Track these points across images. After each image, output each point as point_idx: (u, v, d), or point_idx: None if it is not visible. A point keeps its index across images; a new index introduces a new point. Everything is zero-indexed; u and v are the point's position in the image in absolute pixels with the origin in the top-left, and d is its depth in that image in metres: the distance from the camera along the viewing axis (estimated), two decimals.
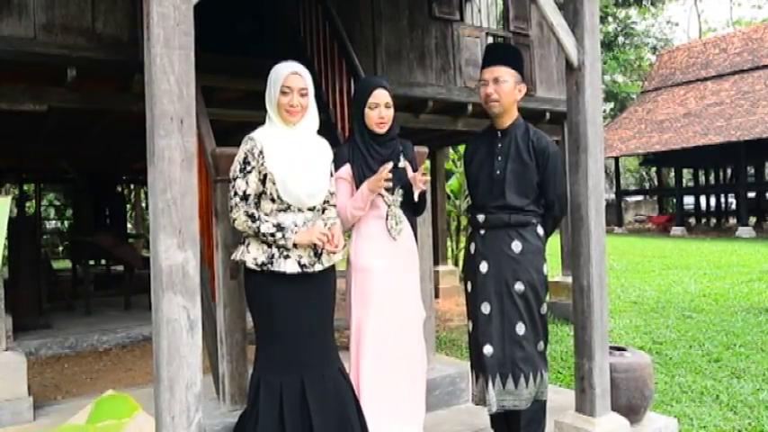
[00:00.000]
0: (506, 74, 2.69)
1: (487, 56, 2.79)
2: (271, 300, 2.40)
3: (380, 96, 2.70)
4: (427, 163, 8.00)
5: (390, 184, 2.62)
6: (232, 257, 2.55)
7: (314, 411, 2.37)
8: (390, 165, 2.61)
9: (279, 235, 2.34)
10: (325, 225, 2.50)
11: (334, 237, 2.42)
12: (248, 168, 2.38)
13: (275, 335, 2.42)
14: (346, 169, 2.71)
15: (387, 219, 2.72)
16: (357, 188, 2.70)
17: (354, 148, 2.74)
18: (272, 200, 2.39)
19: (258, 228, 2.34)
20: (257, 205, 2.41)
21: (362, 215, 2.70)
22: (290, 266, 2.37)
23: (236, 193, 2.39)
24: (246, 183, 2.38)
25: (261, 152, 2.38)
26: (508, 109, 2.73)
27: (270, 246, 2.39)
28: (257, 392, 2.39)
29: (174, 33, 1.85)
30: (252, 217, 2.35)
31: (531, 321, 2.65)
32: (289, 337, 2.41)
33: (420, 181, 2.69)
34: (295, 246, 2.38)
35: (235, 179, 2.41)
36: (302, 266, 2.40)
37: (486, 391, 2.63)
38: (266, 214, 2.40)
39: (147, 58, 1.87)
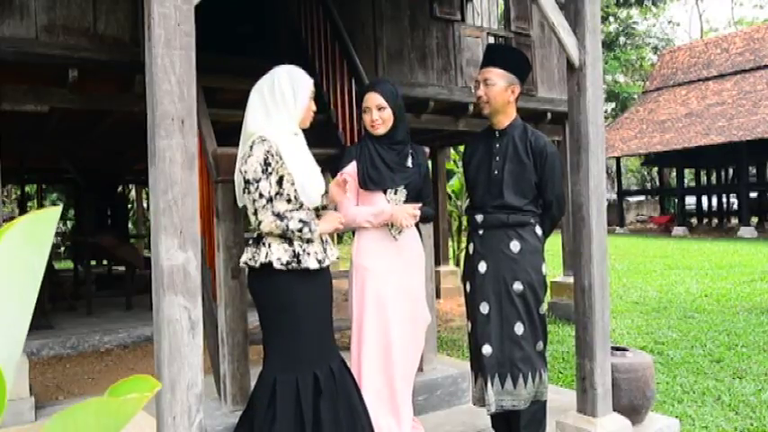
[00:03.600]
0: (495, 75, 2.70)
1: (483, 57, 2.83)
2: (294, 297, 2.43)
3: (370, 100, 2.78)
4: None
5: (413, 222, 2.71)
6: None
7: (324, 404, 2.40)
8: (419, 205, 2.73)
9: (306, 229, 2.38)
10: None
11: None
12: (269, 170, 2.37)
13: (297, 332, 2.44)
14: (353, 166, 2.78)
15: None
16: (360, 185, 2.76)
17: (364, 147, 2.81)
18: (288, 200, 2.42)
19: (287, 226, 2.36)
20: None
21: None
22: (312, 263, 2.43)
23: (261, 195, 2.36)
24: (270, 184, 2.38)
25: (278, 153, 2.39)
26: (500, 110, 2.73)
27: (290, 244, 2.41)
28: (273, 392, 2.38)
29: (175, 34, 1.85)
30: (279, 216, 2.37)
31: (530, 321, 2.64)
32: (309, 332, 2.45)
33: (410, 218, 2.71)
34: (310, 240, 2.45)
35: (258, 181, 2.36)
36: (319, 262, 2.46)
37: (484, 391, 2.64)
38: None
39: (148, 59, 1.87)
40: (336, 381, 2.47)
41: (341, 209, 2.72)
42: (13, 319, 0.55)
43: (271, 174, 2.38)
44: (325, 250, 2.52)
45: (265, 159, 2.37)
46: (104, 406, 0.55)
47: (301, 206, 2.46)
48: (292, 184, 2.39)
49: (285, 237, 2.41)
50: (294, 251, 2.41)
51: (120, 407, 0.55)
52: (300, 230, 2.38)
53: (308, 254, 2.43)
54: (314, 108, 2.59)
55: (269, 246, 2.42)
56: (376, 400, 2.66)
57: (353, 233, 2.89)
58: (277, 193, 2.41)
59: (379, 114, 2.75)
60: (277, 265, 2.39)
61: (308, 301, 2.46)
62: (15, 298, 0.55)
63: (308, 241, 2.44)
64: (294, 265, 2.39)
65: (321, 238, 2.52)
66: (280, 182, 2.40)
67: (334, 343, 2.61)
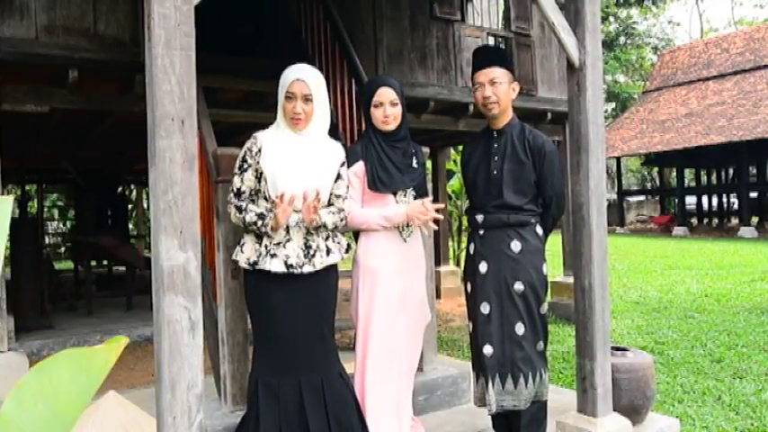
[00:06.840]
0: (501, 74, 2.71)
1: (479, 58, 2.78)
2: (262, 300, 2.41)
3: (384, 95, 2.69)
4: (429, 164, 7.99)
5: (435, 217, 2.67)
6: (232, 257, 2.58)
7: (310, 416, 2.35)
8: (431, 199, 2.70)
9: (260, 223, 2.35)
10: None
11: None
12: (245, 166, 2.42)
13: (269, 336, 2.42)
14: (360, 166, 2.70)
15: None
16: (369, 186, 2.68)
17: (368, 145, 2.73)
18: (266, 198, 2.41)
19: (244, 218, 2.37)
20: (255, 204, 2.44)
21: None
22: (275, 266, 2.34)
23: (231, 190, 2.45)
24: (241, 180, 2.42)
25: (259, 150, 2.40)
26: (506, 109, 2.75)
27: (260, 244, 2.40)
28: (256, 393, 2.39)
29: (175, 34, 1.85)
30: (239, 209, 2.39)
31: (531, 321, 2.64)
32: (282, 338, 2.40)
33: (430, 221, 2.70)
34: (283, 245, 2.37)
35: (233, 176, 2.46)
36: (289, 267, 2.35)
37: (485, 391, 2.63)
38: None
39: (148, 59, 1.87)
40: (327, 394, 2.40)
41: (355, 213, 2.65)
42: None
43: (246, 171, 2.41)
44: (310, 255, 2.40)
45: (243, 156, 2.43)
46: (75, 359, 0.55)
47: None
48: (266, 181, 2.38)
49: (256, 234, 2.40)
50: (259, 252, 2.38)
51: (90, 359, 0.56)
52: (256, 224, 2.35)
53: (274, 256, 2.35)
54: (296, 111, 2.39)
55: (242, 245, 2.45)
56: (379, 403, 2.64)
57: (354, 234, 2.88)
58: (257, 191, 2.42)
59: (392, 110, 2.69)
60: (244, 264, 2.41)
61: (278, 307, 2.37)
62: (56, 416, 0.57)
63: (280, 243, 2.36)
64: (256, 266, 2.37)
65: (307, 243, 2.41)
66: (260, 179, 2.41)
67: (331, 354, 2.50)
